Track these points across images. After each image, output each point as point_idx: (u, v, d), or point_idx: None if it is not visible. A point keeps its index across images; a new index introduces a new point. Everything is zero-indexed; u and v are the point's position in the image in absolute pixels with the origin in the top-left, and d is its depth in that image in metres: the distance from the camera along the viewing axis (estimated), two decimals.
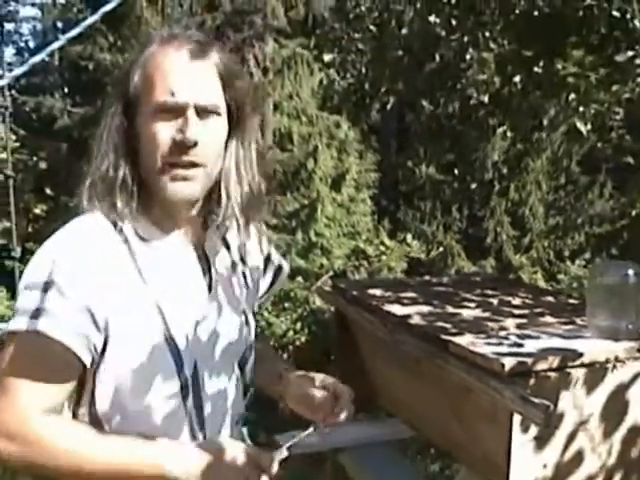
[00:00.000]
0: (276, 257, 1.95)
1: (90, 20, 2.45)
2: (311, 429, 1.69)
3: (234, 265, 1.74)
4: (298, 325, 9.13)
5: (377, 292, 2.78)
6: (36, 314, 1.40)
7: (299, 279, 9.68)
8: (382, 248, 10.19)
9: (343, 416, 1.71)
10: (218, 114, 1.55)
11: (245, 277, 1.78)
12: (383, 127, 14.64)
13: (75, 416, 1.55)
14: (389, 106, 3.70)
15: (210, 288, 1.64)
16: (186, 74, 1.49)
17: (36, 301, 1.41)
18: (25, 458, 1.43)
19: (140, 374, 1.50)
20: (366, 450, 2.75)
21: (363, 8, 3.81)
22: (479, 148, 9.85)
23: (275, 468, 1.52)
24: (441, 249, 11.64)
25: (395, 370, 2.62)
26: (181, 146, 1.48)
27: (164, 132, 1.48)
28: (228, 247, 1.74)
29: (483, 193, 11.97)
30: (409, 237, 11.06)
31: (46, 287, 1.42)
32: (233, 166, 1.61)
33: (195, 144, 1.49)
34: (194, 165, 1.51)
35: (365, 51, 3.56)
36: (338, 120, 12.04)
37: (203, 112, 1.50)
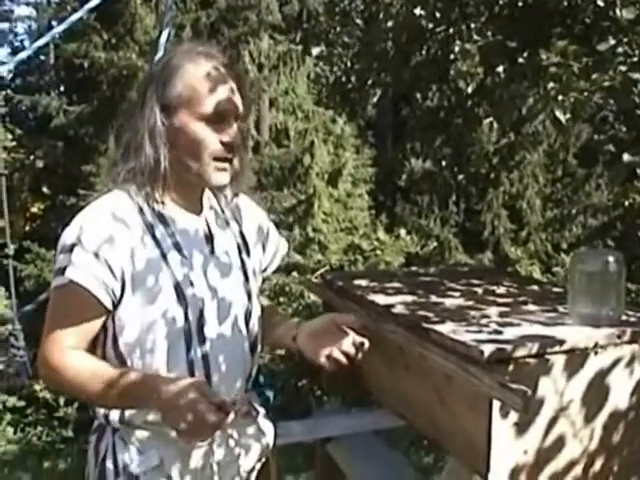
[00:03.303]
0: (275, 236, 2.28)
1: (76, 15, 2.48)
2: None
3: (232, 231, 2.08)
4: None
5: (362, 282, 2.80)
6: (65, 269, 1.78)
7: (295, 274, 9.68)
8: (376, 243, 10.20)
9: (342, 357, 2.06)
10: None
11: (245, 242, 2.10)
12: (379, 122, 14.64)
13: (104, 356, 1.90)
14: (375, 99, 3.74)
15: (212, 250, 1.98)
16: (227, 89, 1.89)
17: (66, 261, 1.79)
18: (61, 382, 1.85)
19: (151, 315, 1.84)
20: (354, 440, 2.78)
21: (352, 3, 3.85)
22: (474, 141, 9.87)
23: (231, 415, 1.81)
24: (436, 243, 11.64)
25: (380, 359, 2.63)
26: (228, 146, 1.89)
27: (212, 134, 1.87)
28: (227, 222, 2.08)
29: (479, 186, 12.00)
30: (402, 232, 11.06)
31: (72, 247, 1.79)
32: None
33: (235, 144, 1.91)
34: (230, 160, 1.92)
35: (352, 44, 3.60)
36: (334, 115, 12.01)
37: (236, 118, 1.92)
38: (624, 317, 2.19)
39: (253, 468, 2.13)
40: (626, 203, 5.11)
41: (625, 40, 2.49)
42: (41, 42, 2.26)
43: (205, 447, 1.95)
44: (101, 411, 1.93)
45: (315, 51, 3.69)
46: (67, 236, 1.83)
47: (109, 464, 1.92)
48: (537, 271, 11.19)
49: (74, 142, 13.93)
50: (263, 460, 2.18)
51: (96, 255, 1.77)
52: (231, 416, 1.79)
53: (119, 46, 13.29)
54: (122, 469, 1.91)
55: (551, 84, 2.24)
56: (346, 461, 2.75)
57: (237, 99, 1.92)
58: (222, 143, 1.88)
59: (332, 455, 2.80)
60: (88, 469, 2.03)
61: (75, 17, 2.35)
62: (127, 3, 12.59)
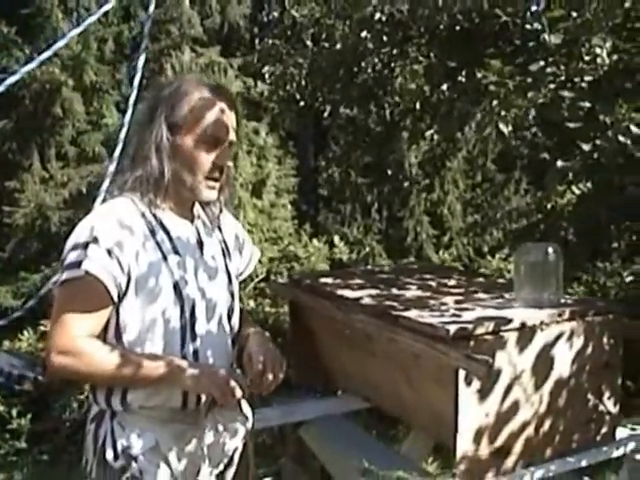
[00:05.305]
0: (249, 244, 2.49)
1: (61, 43, 2.66)
2: None
3: (217, 238, 2.29)
4: None
5: (328, 280, 3.09)
6: (80, 263, 1.92)
7: None
8: (311, 250, 10.41)
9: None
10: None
11: (227, 249, 2.32)
12: (300, 132, 14.84)
13: None
14: (326, 114, 4.03)
15: (202, 254, 2.18)
16: (225, 118, 2.12)
17: (80, 256, 1.94)
18: (73, 367, 1.97)
19: (151, 314, 2.02)
20: (323, 423, 3.03)
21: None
22: (396, 150, 10.16)
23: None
24: (367, 249, 11.90)
25: (348, 349, 2.92)
26: (219, 168, 2.11)
27: (207, 156, 2.09)
28: (212, 230, 2.29)
29: (402, 194, 12.26)
30: (336, 239, 11.28)
31: (86, 244, 1.94)
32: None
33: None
34: (219, 179, 2.13)
35: (303, 64, 3.87)
36: (257, 127, 12.20)
37: (230, 144, 2.14)
38: (562, 300, 2.57)
39: (236, 449, 2.37)
40: (548, 206, 5.52)
41: (551, 60, 2.85)
42: (29, 67, 2.39)
43: (197, 431, 2.20)
44: (102, 396, 2.08)
45: (265, 69, 3.96)
46: (79, 235, 1.99)
47: (109, 448, 2.09)
48: None
49: None
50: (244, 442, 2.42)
51: (109, 252, 1.94)
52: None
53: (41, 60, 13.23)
54: (121, 452, 2.08)
55: (495, 102, 2.57)
56: (317, 443, 3.01)
57: (232, 128, 2.17)
58: (214, 164, 2.09)
59: (304, 438, 3.06)
60: (86, 456, 2.17)
61: (61, 44, 2.52)
62: (49, 17, 12.55)
